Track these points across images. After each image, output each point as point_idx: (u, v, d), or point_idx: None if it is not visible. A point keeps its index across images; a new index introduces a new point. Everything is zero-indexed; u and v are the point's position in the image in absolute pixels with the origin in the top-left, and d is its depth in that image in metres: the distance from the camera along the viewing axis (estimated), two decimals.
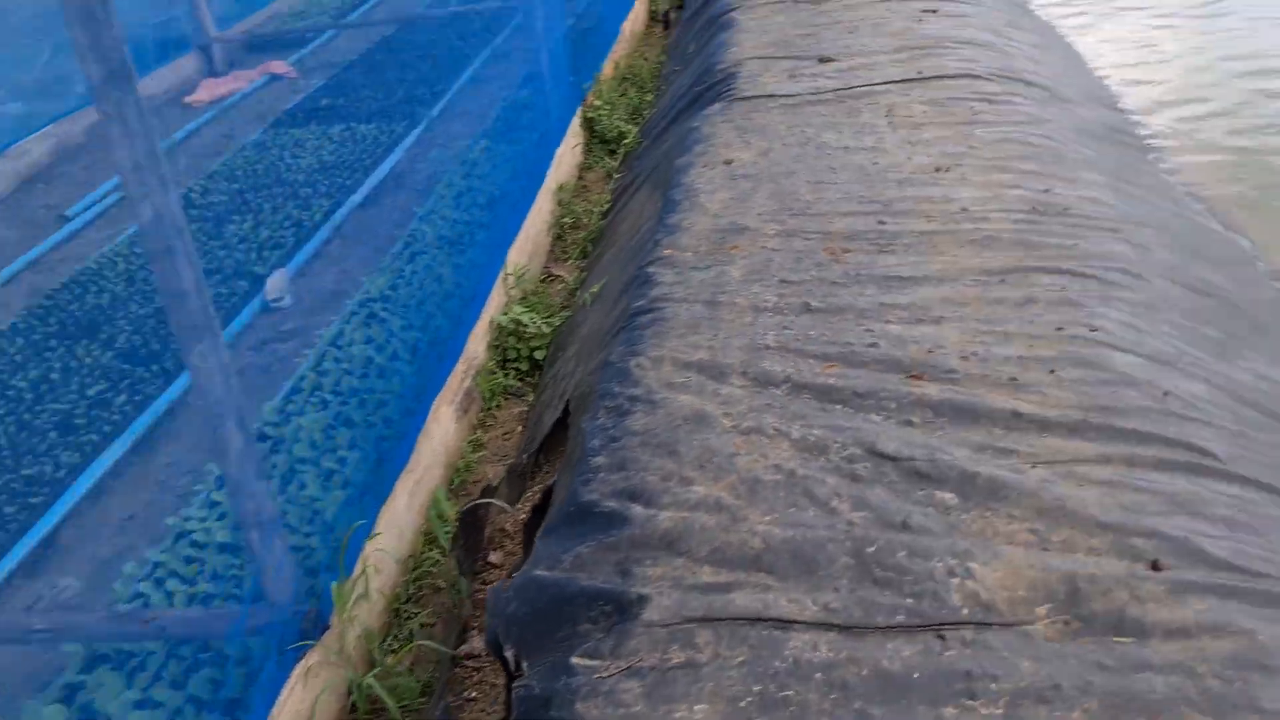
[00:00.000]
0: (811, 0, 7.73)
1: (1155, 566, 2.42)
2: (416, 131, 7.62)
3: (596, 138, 7.23)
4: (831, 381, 3.24)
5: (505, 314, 4.87)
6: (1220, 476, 2.77)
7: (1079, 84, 6.89)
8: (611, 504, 2.81)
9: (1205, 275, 4.18)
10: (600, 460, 3.01)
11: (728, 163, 5.00)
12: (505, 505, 3.48)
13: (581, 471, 3.00)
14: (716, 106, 5.84)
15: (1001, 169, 4.75)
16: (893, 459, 2.85)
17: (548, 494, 3.36)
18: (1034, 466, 2.79)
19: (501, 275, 5.07)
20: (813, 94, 5.81)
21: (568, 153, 6.63)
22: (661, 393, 3.27)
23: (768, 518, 2.69)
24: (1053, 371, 3.20)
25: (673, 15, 10.05)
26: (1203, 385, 3.22)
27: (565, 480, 3.18)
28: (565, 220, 6.18)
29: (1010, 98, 5.76)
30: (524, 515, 3.51)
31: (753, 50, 6.71)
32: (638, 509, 2.77)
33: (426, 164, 7.06)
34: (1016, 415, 3.00)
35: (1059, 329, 3.43)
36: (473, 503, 3.46)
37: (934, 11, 7.35)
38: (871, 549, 2.54)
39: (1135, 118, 6.76)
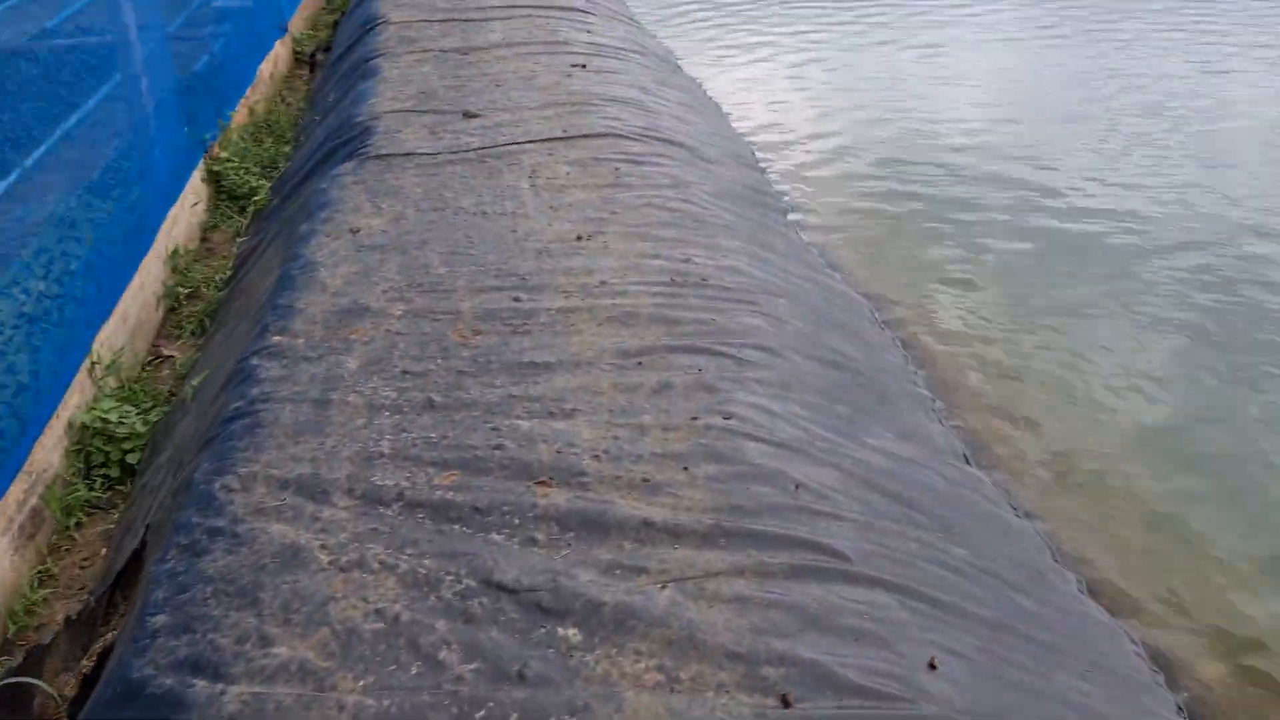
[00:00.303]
0: (460, 49, 7.43)
1: (785, 702, 2.23)
2: (4, 184, 6.54)
3: (225, 194, 6.51)
4: (450, 495, 2.87)
5: (90, 410, 4.13)
6: (851, 580, 2.66)
7: (722, 143, 7.03)
8: (168, 681, 2.27)
9: (836, 345, 4.22)
10: (161, 620, 2.46)
11: (355, 231, 4.54)
12: (45, 686, 2.81)
13: (139, 636, 2.44)
14: (349, 165, 5.36)
15: (643, 236, 4.62)
16: (512, 591, 2.52)
17: (105, 657, 2.75)
18: (664, 587, 2.55)
19: (88, 362, 4.32)
20: (454, 152, 5.48)
21: (185, 211, 5.89)
22: (250, 522, 2.76)
23: (362, 683, 2.26)
24: (686, 469, 3.01)
25: (319, 57, 9.44)
26: (833, 472, 3.15)
27: (124, 640, 2.59)
28: (181, 290, 5.44)
29: (655, 159, 5.72)
30: (79, 684, 2.86)
31: (394, 102, 6.30)
32: (201, 686, 2.25)
33: (12, 224, 6.05)
34: (648, 524, 2.77)
35: (694, 418, 3.26)
36: (7, 677, 2.77)
37: (583, 66, 7.28)
38: (481, 713, 2.18)
39: (772, 176, 6.98)
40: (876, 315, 5.03)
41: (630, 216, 4.82)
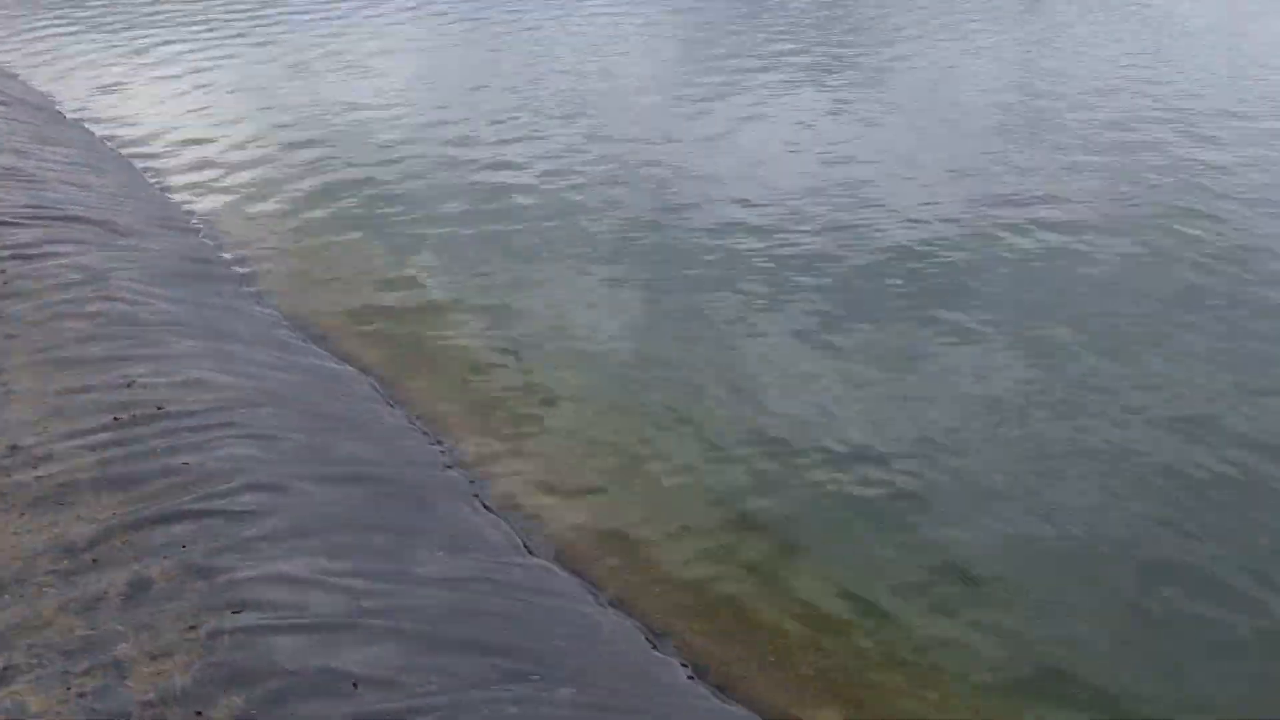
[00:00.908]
0: None
1: None
2: None
3: None
4: None
5: None
6: None
7: (141, 205, 5.88)
8: None
9: (349, 448, 3.52)
10: None
11: None
12: None
13: None
14: None
15: (61, 364, 3.55)
16: None
17: None
18: None
19: None
20: None
21: None
22: None
23: None
24: (201, 714, 2.19)
25: None
26: (394, 644, 2.50)
27: None
28: None
29: (55, 246, 4.54)
30: None
31: None
32: None
33: None
34: None
35: (193, 627, 2.42)
36: None
37: None
38: None
39: (212, 238, 5.88)
40: (379, 388, 4.33)
41: (36, 337, 3.70)
